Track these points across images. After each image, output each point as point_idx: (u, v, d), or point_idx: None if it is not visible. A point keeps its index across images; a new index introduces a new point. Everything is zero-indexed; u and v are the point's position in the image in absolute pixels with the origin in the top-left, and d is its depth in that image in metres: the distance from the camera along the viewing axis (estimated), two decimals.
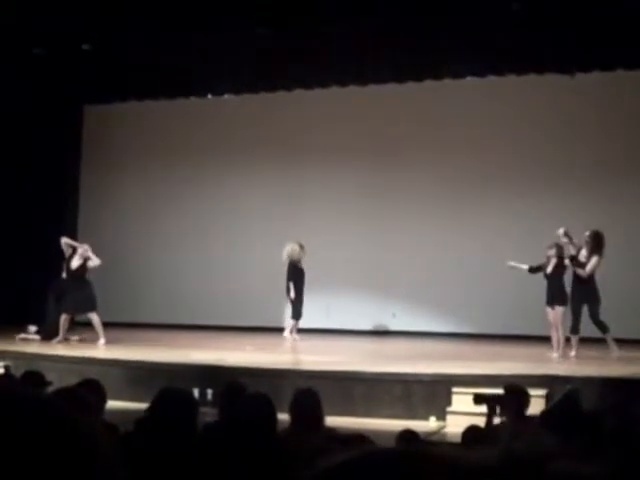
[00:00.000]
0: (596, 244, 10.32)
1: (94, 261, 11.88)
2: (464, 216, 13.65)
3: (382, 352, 11.27)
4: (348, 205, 14.18)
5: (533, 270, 10.65)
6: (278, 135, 14.57)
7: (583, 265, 10.29)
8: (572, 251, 10.44)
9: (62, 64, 13.83)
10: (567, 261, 10.38)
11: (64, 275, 11.96)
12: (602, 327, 10.30)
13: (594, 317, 10.25)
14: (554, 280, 10.39)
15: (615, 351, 10.29)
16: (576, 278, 10.37)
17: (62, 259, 12.04)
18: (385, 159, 14.03)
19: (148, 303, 14.82)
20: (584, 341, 10.40)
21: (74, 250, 11.91)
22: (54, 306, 12.06)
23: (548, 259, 10.50)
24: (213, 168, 15.04)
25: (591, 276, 10.29)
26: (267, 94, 14.03)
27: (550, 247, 10.49)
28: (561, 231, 10.48)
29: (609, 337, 10.37)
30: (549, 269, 10.46)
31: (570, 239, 10.47)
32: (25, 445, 0.82)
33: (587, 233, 10.44)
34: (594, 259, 10.26)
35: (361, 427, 6.65)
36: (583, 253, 10.40)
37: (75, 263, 11.80)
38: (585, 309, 10.27)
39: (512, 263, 10.93)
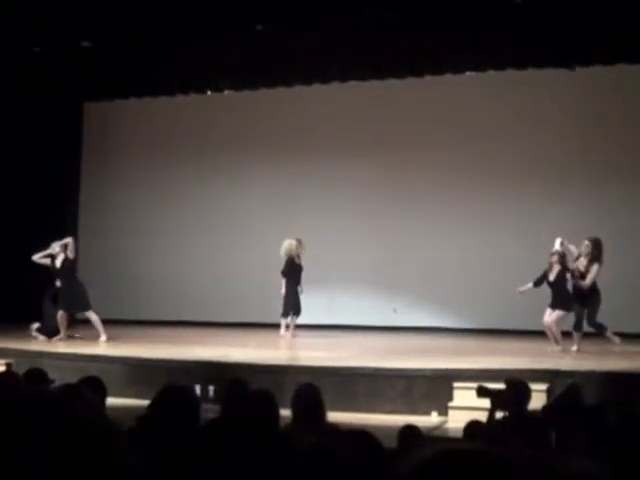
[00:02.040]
0: (596, 252, 10.32)
1: (69, 244, 11.83)
2: (465, 212, 13.64)
3: (383, 347, 11.26)
4: (350, 202, 14.17)
5: (538, 283, 10.61)
6: (279, 131, 14.56)
7: (583, 275, 10.30)
8: (574, 254, 10.47)
9: (62, 61, 13.83)
10: (569, 275, 10.39)
11: (58, 283, 11.95)
12: (599, 328, 10.38)
13: (591, 320, 10.31)
14: (558, 287, 10.44)
15: (617, 343, 10.32)
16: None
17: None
18: (385, 155, 14.01)
19: (150, 300, 14.82)
20: (585, 336, 10.42)
21: (50, 255, 11.89)
22: (51, 309, 12.06)
23: (551, 266, 10.52)
24: (214, 164, 15.03)
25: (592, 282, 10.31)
26: (267, 90, 14.00)
27: (553, 254, 10.51)
28: (557, 243, 10.54)
29: (608, 333, 10.41)
30: (552, 277, 10.48)
31: (565, 248, 10.55)
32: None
33: (586, 242, 10.42)
34: (594, 268, 10.26)
35: (363, 423, 6.65)
36: (582, 261, 10.40)
37: (59, 261, 11.81)
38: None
39: (520, 289, 10.75)
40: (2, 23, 12.13)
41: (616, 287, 11.33)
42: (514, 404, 5.10)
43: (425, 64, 12.88)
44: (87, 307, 11.69)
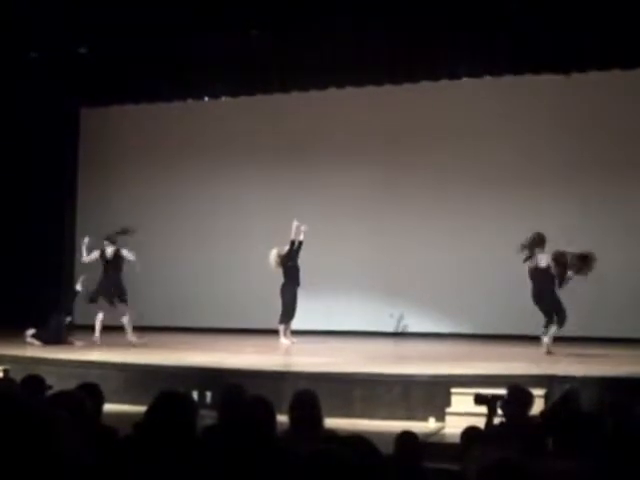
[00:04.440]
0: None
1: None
2: (462, 217, 13.64)
3: (381, 353, 11.25)
4: (347, 207, 14.18)
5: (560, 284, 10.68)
6: (276, 138, 14.56)
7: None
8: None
9: (59, 67, 13.85)
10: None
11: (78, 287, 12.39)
12: (549, 320, 10.35)
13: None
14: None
15: (543, 350, 10.28)
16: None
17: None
18: (382, 160, 14.02)
19: (147, 306, 14.75)
20: (583, 340, 10.42)
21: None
22: (55, 317, 12.08)
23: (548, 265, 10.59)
24: (211, 170, 15.03)
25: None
26: (264, 96, 14.03)
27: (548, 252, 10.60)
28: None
29: (547, 339, 10.46)
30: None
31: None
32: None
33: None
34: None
35: (360, 429, 6.64)
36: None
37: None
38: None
39: None
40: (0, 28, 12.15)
41: (614, 291, 11.33)
42: (517, 411, 5.08)
43: (421, 70, 12.92)
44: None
